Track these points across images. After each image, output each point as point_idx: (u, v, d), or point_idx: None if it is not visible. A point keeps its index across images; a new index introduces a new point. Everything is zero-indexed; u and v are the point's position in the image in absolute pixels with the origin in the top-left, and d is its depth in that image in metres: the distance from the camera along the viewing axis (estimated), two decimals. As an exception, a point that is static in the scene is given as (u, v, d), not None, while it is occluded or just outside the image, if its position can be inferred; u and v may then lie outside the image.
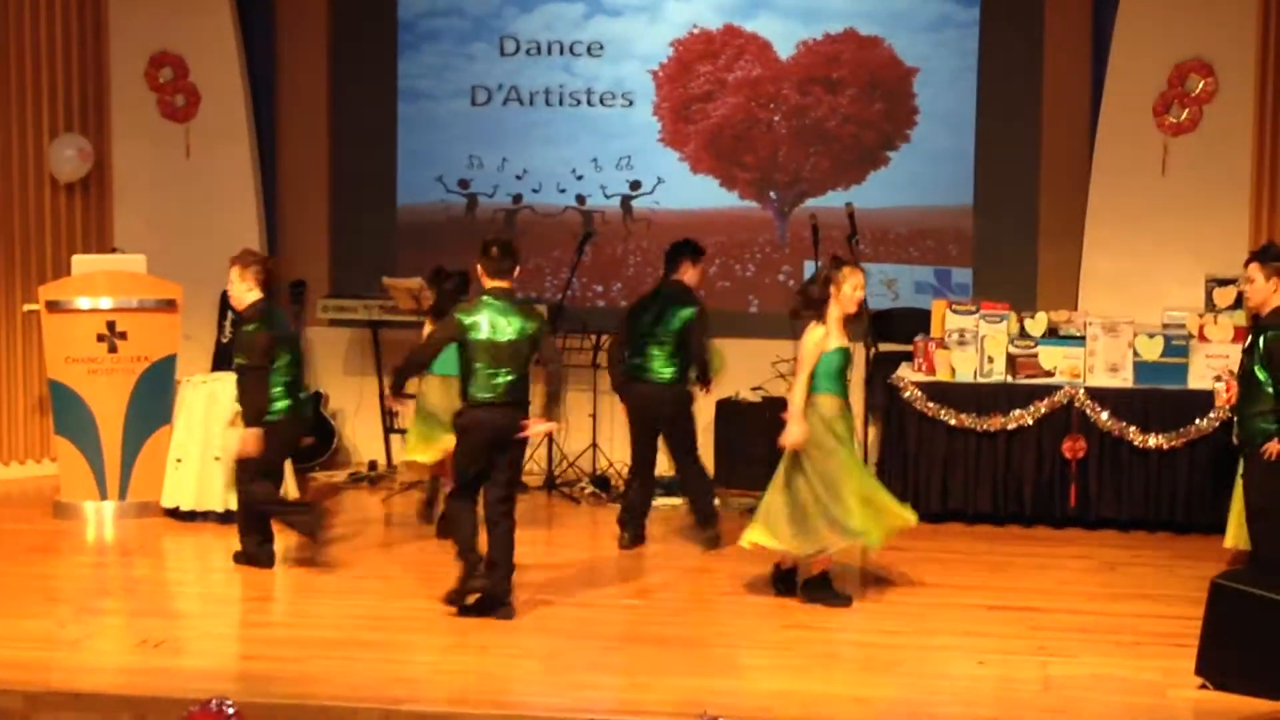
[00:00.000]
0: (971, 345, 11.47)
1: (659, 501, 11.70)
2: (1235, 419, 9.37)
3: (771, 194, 13.41)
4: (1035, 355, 11.40)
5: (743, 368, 12.72)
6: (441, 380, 10.48)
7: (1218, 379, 10.71)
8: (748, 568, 10.00)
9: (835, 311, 9.15)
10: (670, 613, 9.18)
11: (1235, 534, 9.85)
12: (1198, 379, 11.19)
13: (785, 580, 9.44)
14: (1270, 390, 8.87)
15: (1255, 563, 9.20)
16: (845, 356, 9.23)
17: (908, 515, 9.36)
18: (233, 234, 12.68)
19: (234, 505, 11.01)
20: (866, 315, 11.41)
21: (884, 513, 9.26)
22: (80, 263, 11.96)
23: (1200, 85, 12.12)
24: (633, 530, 10.76)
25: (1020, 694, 7.73)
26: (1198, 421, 11.05)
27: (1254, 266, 9.09)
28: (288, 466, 11.60)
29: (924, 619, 9.00)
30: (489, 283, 8.89)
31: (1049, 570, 10.19)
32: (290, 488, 11.58)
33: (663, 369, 10.60)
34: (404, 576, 9.90)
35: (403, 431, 13.25)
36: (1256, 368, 8.96)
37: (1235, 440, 9.41)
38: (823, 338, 9.15)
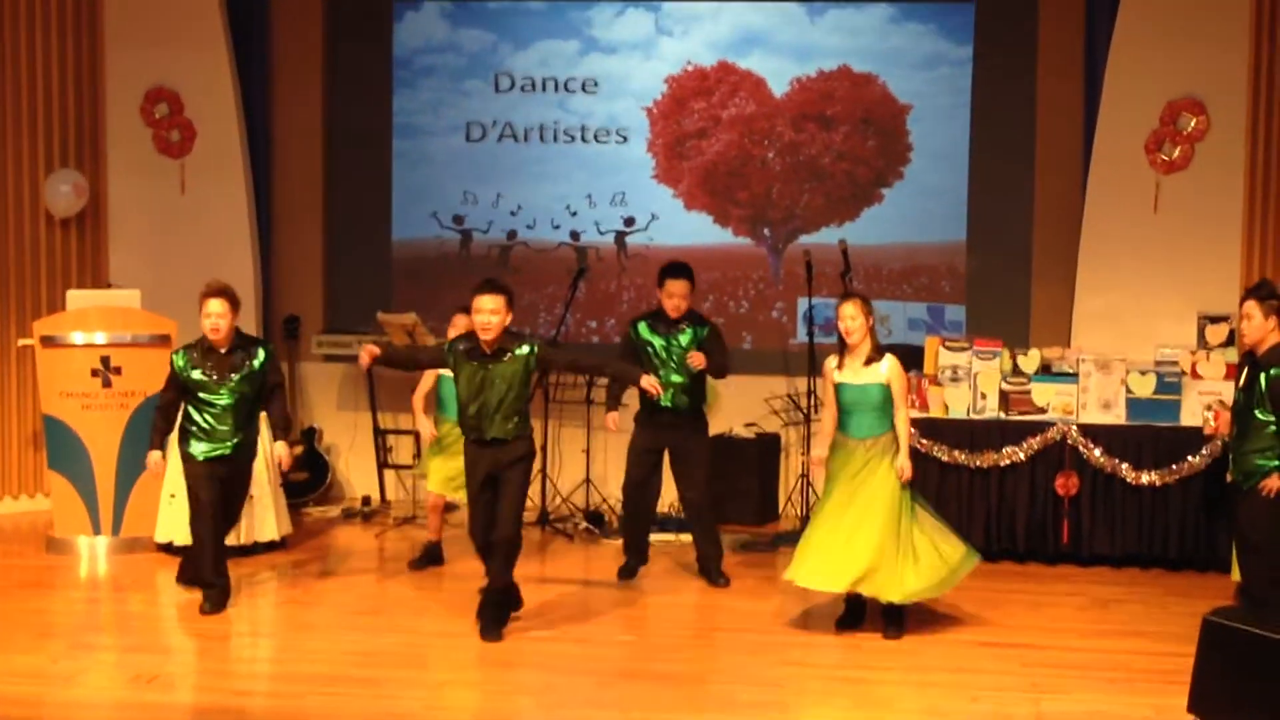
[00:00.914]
0: (964, 382, 11.49)
1: (654, 538, 11.74)
2: (1230, 456, 9.38)
3: (765, 230, 13.45)
4: (1028, 392, 11.42)
5: (736, 404, 12.77)
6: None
7: (1208, 408, 10.74)
8: (743, 603, 10.04)
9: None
10: (665, 649, 9.18)
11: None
12: (1190, 416, 11.20)
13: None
14: (1272, 429, 8.90)
15: (1247, 599, 9.22)
16: (846, 392, 9.31)
17: (833, 583, 9.29)
18: (227, 269, 12.65)
19: (226, 540, 11.03)
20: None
21: (820, 558, 9.29)
22: (75, 298, 11.96)
23: (1192, 123, 12.18)
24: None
25: (1014, 731, 7.75)
26: (1190, 458, 11.06)
27: (1251, 303, 9.08)
28: (281, 502, 11.62)
29: (917, 655, 8.99)
30: None
31: (1042, 607, 10.18)
32: (284, 523, 11.58)
33: None
34: (397, 612, 9.89)
35: (396, 467, 13.33)
36: (1256, 408, 8.97)
37: (1230, 477, 9.41)
38: (827, 369, 9.43)
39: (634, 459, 10.75)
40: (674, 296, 10.52)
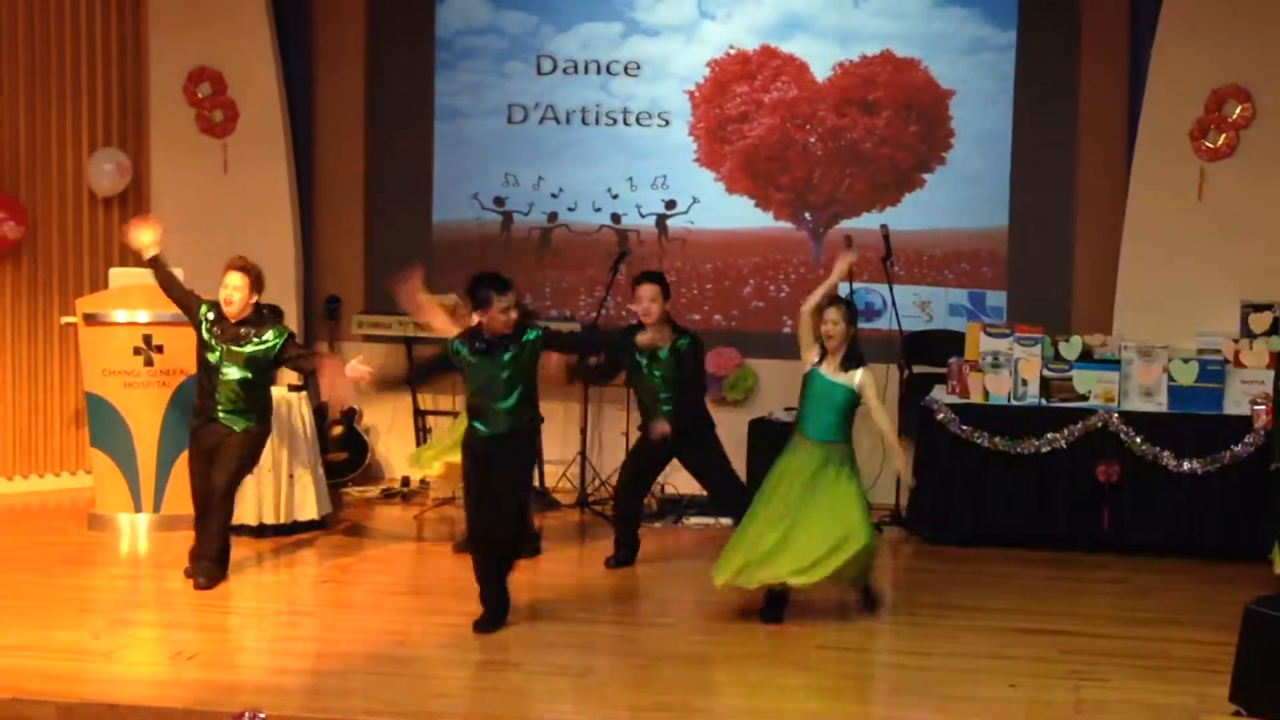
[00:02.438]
0: (1006, 368, 11.46)
1: (694, 520, 11.81)
2: (1275, 445, 9.33)
3: (806, 215, 13.42)
4: (1070, 379, 11.39)
5: (776, 387, 12.76)
6: None
7: (1255, 403, 10.70)
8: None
9: None
10: (703, 631, 9.18)
11: None
12: (1233, 404, 11.16)
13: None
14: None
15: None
16: (816, 381, 9.26)
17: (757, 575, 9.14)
18: (269, 249, 12.73)
19: (266, 519, 11.12)
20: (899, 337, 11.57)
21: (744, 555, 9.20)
22: (117, 276, 12.02)
23: (1238, 110, 12.10)
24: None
25: (1052, 717, 7.70)
26: (1232, 447, 11.02)
27: None
28: (321, 482, 11.67)
29: (956, 641, 8.97)
30: None
31: (1081, 594, 10.16)
32: (324, 503, 11.64)
33: None
34: (437, 592, 9.92)
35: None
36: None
37: (1273, 465, 9.37)
38: (808, 356, 9.34)
39: (636, 457, 10.77)
40: (641, 301, 10.36)
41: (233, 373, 9.96)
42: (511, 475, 9.07)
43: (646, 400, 10.48)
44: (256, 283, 10.05)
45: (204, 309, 10.04)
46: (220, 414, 9.97)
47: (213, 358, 9.97)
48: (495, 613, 9.01)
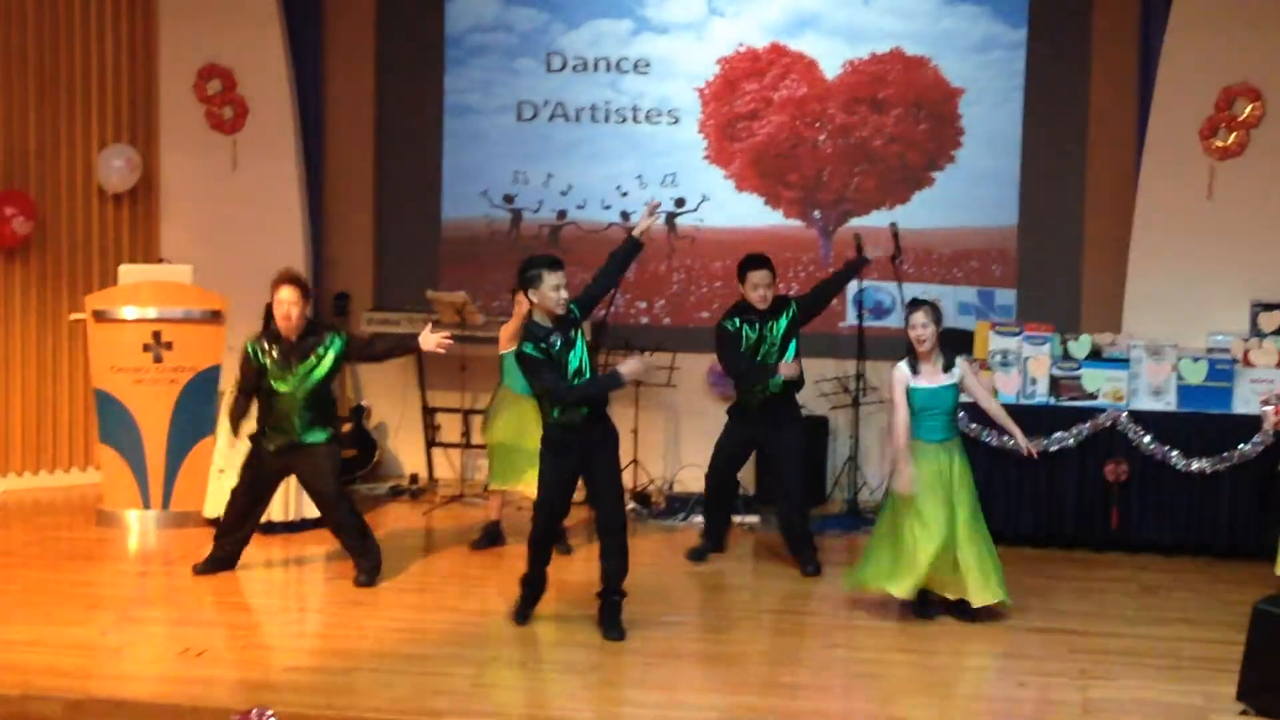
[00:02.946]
0: (1015, 367, 11.45)
1: (702, 519, 11.81)
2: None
3: (815, 213, 13.42)
4: (1078, 377, 11.37)
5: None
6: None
7: (1265, 403, 10.68)
8: (791, 586, 10.04)
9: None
10: (712, 630, 9.18)
11: None
12: (1242, 404, 11.15)
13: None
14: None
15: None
16: (918, 396, 9.24)
17: (891, 584, 9.26)
18: (278, 246, 12.76)
19: (275, 516, 11.09)
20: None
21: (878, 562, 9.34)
22: (127, 273, 12.02)
23: (1248, 109, 12.08)
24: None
25: (1060, 716, 7.69)
26: (1241, 446, 11.00)
27: None
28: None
29: (964, 639, 8.97)
30: None
31: (1090, 593, 10.14)
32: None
33: None
34: (444, 590, 9.92)
35: (445, 445, 13.32)
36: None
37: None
38: (899, 375, 9.31)
39: (725, 451, 10.76)
40: (759, 288, 10.34)
41: (302, 392, 9.94)
42: (616, 456, 9.12)
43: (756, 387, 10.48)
44: (306, 293, 10.01)
45: (255, 353, 9.97)
46: (303, 436, 9.97)
47: (285, 387, 9.91)
48: (533, 601, 9.14)
